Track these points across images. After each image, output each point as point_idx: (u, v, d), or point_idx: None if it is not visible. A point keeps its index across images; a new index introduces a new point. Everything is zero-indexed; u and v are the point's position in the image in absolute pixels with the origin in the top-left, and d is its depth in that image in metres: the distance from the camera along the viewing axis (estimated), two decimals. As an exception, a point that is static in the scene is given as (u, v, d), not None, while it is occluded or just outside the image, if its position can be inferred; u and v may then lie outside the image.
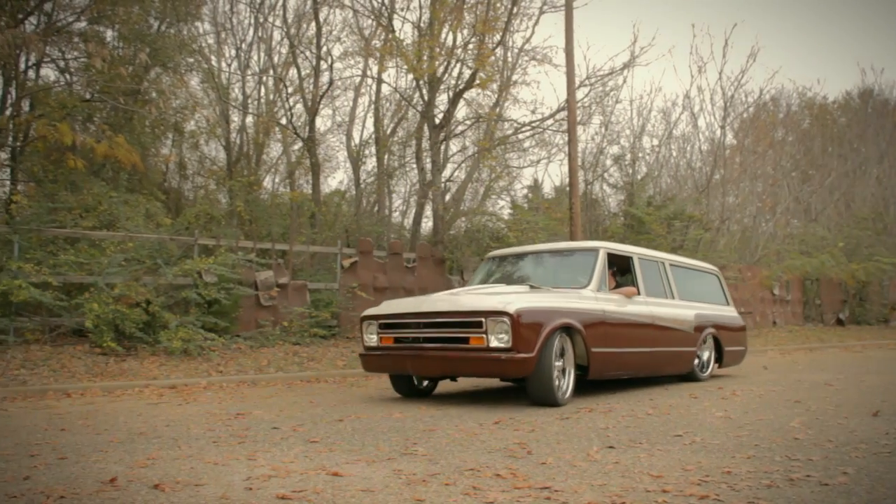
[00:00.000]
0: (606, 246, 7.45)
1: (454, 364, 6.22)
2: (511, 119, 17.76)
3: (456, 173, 19.66)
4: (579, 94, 16.60)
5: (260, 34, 17.18)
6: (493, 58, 14.83)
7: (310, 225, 15.14)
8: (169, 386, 8.17)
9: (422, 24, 14.49)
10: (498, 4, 14.55)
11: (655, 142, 24.42)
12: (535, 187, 24.58)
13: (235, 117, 16.81)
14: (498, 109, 16.92)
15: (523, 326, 5.81)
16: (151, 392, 7.74)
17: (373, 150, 18.43)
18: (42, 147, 11.12)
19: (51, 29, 11.83)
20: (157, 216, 11.98)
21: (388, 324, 6.74)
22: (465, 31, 14.55)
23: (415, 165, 17.30)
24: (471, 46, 14.45)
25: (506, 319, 5.81)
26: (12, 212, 10.25)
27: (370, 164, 19.36)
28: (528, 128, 17.11)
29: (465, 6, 13.99)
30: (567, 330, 6.28)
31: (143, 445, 4.37)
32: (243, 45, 17.16)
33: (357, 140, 19.25)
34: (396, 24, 15.12)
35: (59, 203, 10.89)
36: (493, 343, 5.88)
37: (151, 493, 3.16)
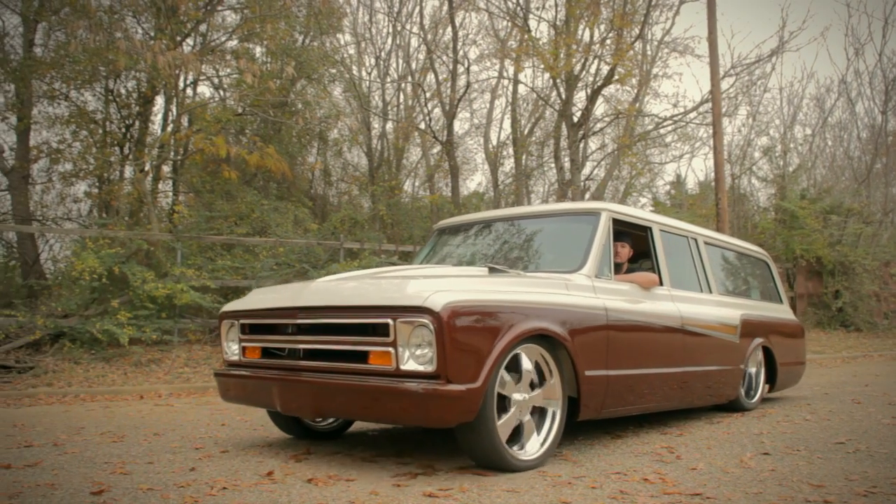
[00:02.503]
0: (612, 209, 4.86)
1: (340, 398, 3.63)
2: (652, 114, 17.43)
3: (595, 171, 19.46)
4: (724, 85, 15.99)
5: (398, 42, 17.61)
6: (631, 52, 14.50)
7: (450, 227, 15.31)
8: (319, 385, 8.47)
9: (558, 22, 14.38)
10: (636, -3, 14.24)
11: (808, 131, 23.24)
12: (678, 183, 23.93)
13: (376, 124, 17.30)
14: (638, 104, 16.57)
15: (459, 333, 3.36)
16: (303, 390, 8.06)
17: (510, 150, 18.51)
18: (200, 160, 11.87)
19: (206, 49, 12.62)
20: (305, 222, 12.53)
21: (254, 325, 4.23)
22: (602, 27, 14.35)
23: (553, 165, 17.21)
24: (608, 41, 14.21)
25: (427, 321, 3.33)
26: (175, 221, 11.00)
27: (508, 164, 19.46)
28: (670, 122, 16.70)
29: (602, 1, 13.75)
30: (544, 340, 3.87)
31: (296, 441, 4.56)
32: (382, 54, 17.64)
33: (494, 141, 19.40)
34: (532, 23, 15.11)
35: (215, 212, 11.60)
36: (408, 364, 3.41)
37: (305, 486, 3.28)
